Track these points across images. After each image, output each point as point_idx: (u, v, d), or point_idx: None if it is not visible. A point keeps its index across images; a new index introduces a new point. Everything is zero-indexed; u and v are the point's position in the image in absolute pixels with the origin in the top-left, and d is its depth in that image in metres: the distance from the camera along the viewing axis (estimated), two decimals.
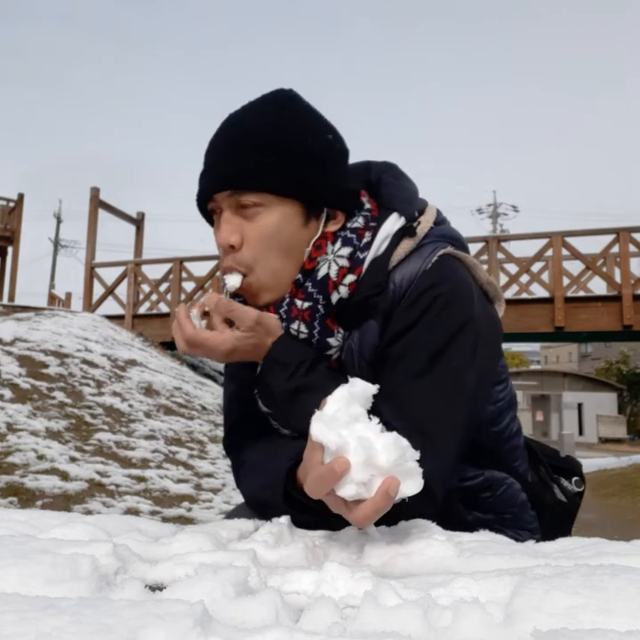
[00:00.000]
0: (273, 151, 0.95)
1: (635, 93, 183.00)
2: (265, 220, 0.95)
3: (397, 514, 0.76)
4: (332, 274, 0.96)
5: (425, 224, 1.01)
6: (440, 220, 1.05)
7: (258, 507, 0.97)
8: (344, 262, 0.97)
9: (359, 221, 1.00)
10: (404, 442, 0.69)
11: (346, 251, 0.97)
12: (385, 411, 0.78)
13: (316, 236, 0.99)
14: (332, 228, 1.00)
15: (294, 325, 0.97)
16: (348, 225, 1.00)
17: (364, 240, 0.99)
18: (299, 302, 0.97)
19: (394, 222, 1.00)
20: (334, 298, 0.97)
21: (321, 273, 0.97)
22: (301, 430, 0.94)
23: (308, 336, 0.97)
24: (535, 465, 1.18)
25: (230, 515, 1.05)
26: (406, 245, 0.98)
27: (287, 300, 0.98)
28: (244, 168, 0.94)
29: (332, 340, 0.98)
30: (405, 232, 0.99)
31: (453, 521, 0.87)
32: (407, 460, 0.68)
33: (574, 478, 1.23)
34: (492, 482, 1.03)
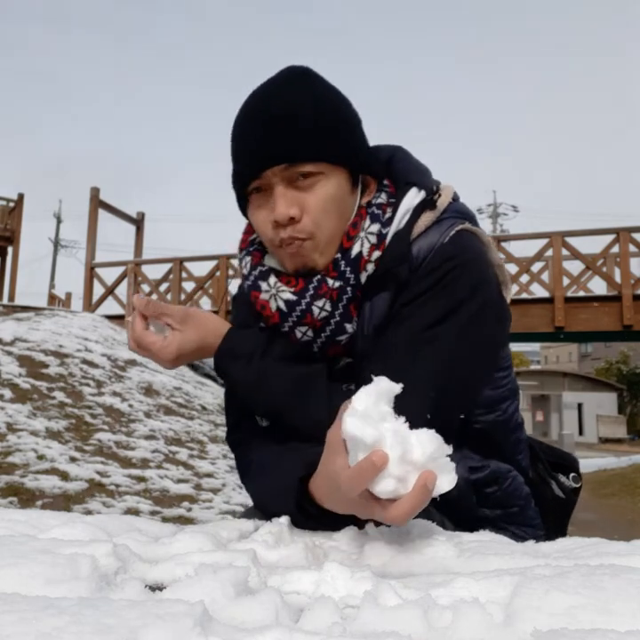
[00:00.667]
0: (320, 119, 0.95)
1: (636, 93, 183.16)
2: (323, 189, 0.95)
3: None
4: (365, 251, 0.97)
5: (445, 198, 1.02)
6: (456, 198, 1.06)
7: (269, 516, 0.93)
8: (374, 239, 0.98)
9: (382, 197, 1.02)
10: (439, 437, 0.67)
11: (375, 227, 0.98)
12: (374, 367, 0.77)
13: (356, 208, 1.00)
14: (368, 197, 1.01)
15: (319, 303, 0.97)
16: (374, 201, 1.01)
17: (387, 215, 1.00)
18: (330, 281, 0.97)
19: (414, 196, 1.00)
20: (363, 277, 0.97)
21: (354, 251, 0.97)
22: (273, 414, 0.98)
23: (328, 315, 0.97)
24: (534, 461, 1.18)
25: (243, 516, 1.04)
26: (426, 218, 0.99)
27: (319, 276, 0.97)
28: (301, 139, 0.94)
29: (348, 326, 0.98)
30: (426, 205, 1.00)
31: (466, 517, 0.87)
32: (442, 455, 0.67)
33: (571, 474, 1.23)
34: (498, 474, 1.03)
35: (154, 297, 14.51)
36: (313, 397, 0.93)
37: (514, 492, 1.05)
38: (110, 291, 14.70)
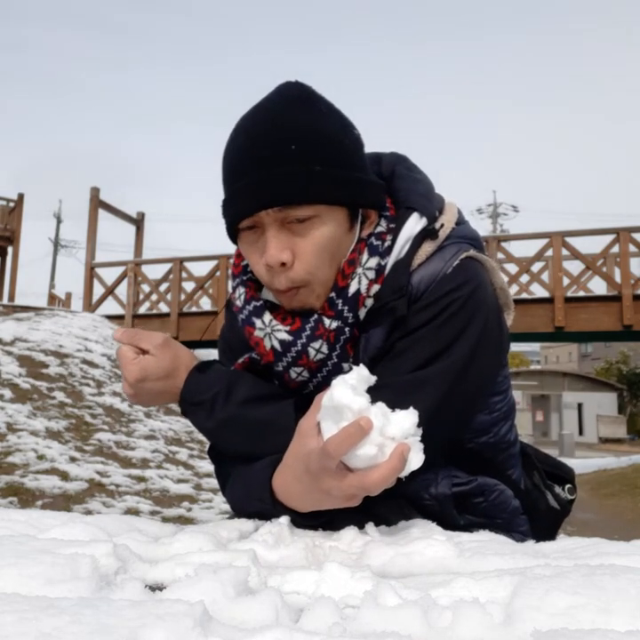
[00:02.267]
0: (319, 158, 0.89)
1: (636, 94, 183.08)
2: (318, 233, 0.90)
3: None
4: (363, 289, 0.93)
5: (447, 225, 0.97)
6: (461, 220, 1.02)
7: (249, 517, 0.94)
8: (372, 275, 0.94)
9: (382, 224, 0.97)
10: (415, 417, 0.72)
11: (373, 262, 0.94)
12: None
13: (353, 244, 0.95)
14: (368, 229, 0.96)
15: (316, 345, 0.93)
16: (373, 230, 0.97)
17: (386, 244, 0.95)
18: (327, 321, 0.93)
19: (415, 223, 0.96)
20: (362, 313, 0.94)
21: (352, 289, 0.93)
22: (242, 455, 0.96)
23: (325, 357, 0.94)
24: (530, 471, 1.16)
25: (234, 515, 1.05)
26: (428, 248, 0.95)
27: (315, 316, 0.93)
28: (296, 182, 0.88)
29: (345, 366, 0.95)
30: (427, 234, 0.95)
31: (446, 525, 0.86)
32: (415, 435, 0.72)
33: (567, 486, 1.21)
34: (485, 488, 1.01)
35: (154, 296, 14.47)
36: (274, 443, 0.89)
37: (500, 505, 1.03)
38: (110, 291, 14.70)
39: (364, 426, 0.68)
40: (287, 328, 0.94)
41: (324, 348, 0.93)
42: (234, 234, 0.97)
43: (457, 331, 0.92)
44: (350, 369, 0.94)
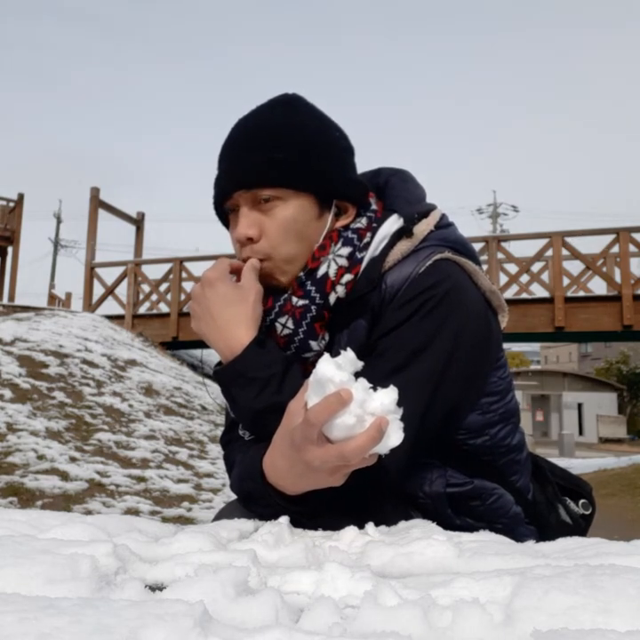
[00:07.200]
0: (285, 147, 0.98)
1: (636, 94, 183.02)
2: (282, 213, 0.99)
3: (352, 478, 0.81)
4: (331, 273, 0.98)
5: (424, 226, 1.01)
6: (444, 224, 1.04)
7: (244, 499, 0.98)
8: (343, 262, 0.99)
9: (362, 222, 1.02)
10: (396, 396, 0.73)
11: (345, 250, 0.99)
12: None
13: (325, 231, 1.01)
14: (344, 221, 1.03)
15: (282, 319, 0.99)
16: (352, 225, 1.02)
17: (365, 240, 1.01)
18: (294, 299, 0.99)
19: (392, 223, 1.01)
20: (332, 298, 0.98)
21: (320, 271, 0.99)
22: (264, 439, 0.94)
23: (291, 333, 0.99)
24: (543, 484, 1.16)
25: (218, 516, 1.04)
26: (403, 246, 0.99)
27: (285, 295, 1.00)
28: (260, 166, 0.98)
29: (313, 344, 0.99)
30: (402, 232, 1.00)
31: (444, 525, 0.87)
32: (396, 412, 0.73)
33: (582, 501, 1.19)
34: (482, 491, 1.02)
35: (154, 296, 14.49)
36: None
37: (498, 509, 1.03)
38: (110, 291, 14.71)
39: (344, 396, 0.70)
40: (262, 307, 1.00)
41: (290, 324, 0.99)
42: (225, 220, 1.07)
43: (434, 327, 0.94)
44: (319, 348, 0.99)
